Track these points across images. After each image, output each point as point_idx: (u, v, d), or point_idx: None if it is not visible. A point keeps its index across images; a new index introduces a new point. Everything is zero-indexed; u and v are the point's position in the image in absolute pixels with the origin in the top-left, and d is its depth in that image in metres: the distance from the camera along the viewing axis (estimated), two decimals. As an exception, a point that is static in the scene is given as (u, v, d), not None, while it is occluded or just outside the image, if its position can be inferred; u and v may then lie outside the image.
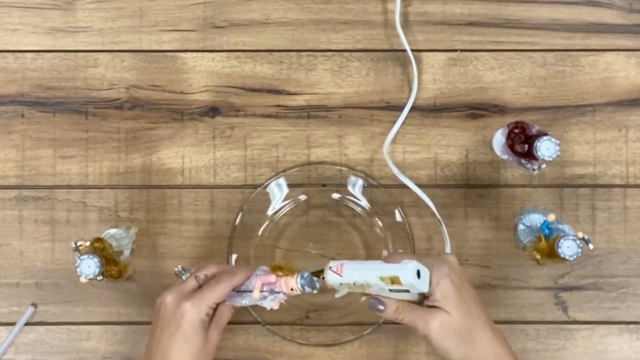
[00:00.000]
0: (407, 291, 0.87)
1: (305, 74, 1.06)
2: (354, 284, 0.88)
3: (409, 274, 0.85)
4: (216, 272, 0.91)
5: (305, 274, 0.89)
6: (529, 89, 1.05)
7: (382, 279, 0.86)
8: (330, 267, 0.88)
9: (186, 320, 0.87)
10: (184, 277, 0.92)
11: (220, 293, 0.89)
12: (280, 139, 1.05)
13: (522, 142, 0.95)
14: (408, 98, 1.04)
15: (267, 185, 1.04)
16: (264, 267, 0.92)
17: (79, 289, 1.04)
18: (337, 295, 0.92)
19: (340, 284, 0.89)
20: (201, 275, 0.90)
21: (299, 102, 1.05)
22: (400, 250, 1.03)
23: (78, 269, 0.92)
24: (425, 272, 0.86)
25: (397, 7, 1.04)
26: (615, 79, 1.05)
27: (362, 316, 1.04)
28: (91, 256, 0.92)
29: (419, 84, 1.05)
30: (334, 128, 1.05)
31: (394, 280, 0.86)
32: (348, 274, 0.88)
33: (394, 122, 1.05)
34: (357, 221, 1.05)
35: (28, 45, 1.06)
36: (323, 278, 0.89)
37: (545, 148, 0.92)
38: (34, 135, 1.05)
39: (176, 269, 0.93)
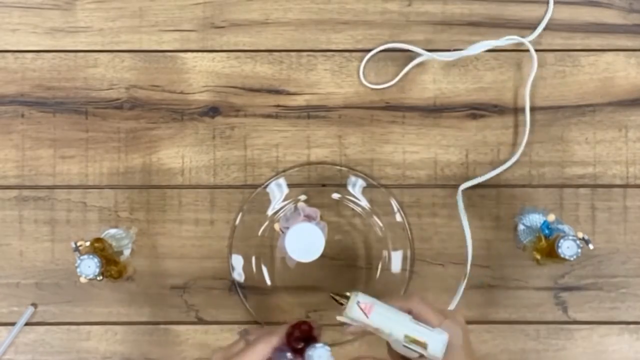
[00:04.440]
0: (422, 355, 0.81)
1: (305, 74, 1.06)
2: (376, 329, 0.81)
3: (439, 346, 0.79)
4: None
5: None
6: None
7: (407, 336, 0.80)
8: (358, 302, 0.81)
9: None
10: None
11: (260, 353, 0.82)
12: (280, 139, 1.05)
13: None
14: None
15: (267, 185, 1.04)
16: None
17: (79, 289, 1.04)
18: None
19: (360, 321, 0.81)
20: (251, 338, 0.85)
21: (299, 102, 1.05)
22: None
23: (78, 269, 0.92)
24: (446, 341, 0.80)
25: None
26: (615, 79, 1.05)
27: (362, 316, 1.04)
28: (91, 256, 0.92)
29: (419, 84, 1.05)
30: (334, 128, 1.05)
31: (418, 343, 0.80)
32: (375, 318, 0.80)
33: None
34: (357, 221, 1.05)
35: (28, 45, 1.06)
36: (340, 303, 0.82)
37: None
38: (34, 135, 1.05)
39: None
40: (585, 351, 1.04)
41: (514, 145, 1.05)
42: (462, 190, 1.04)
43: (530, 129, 1.04)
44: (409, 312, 0.82)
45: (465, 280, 1.01)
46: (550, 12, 1.05)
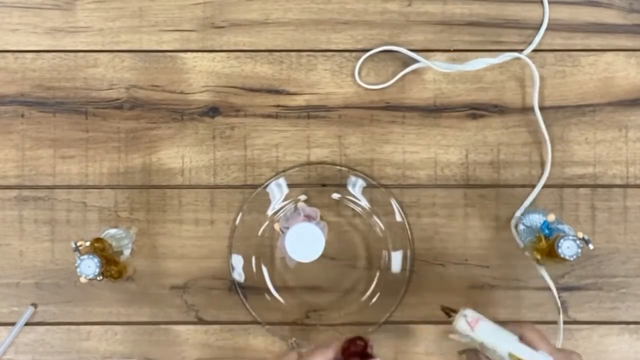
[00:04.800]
0: None
1: (305, 74, 1.06)
2: (481, 343, 0.83)
3: None
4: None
5: None
6: (529, 89, 1.05)
7: (511, 355, 0.81)
8: (465, 315, 0.83)
9: None
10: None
11: None
12: (280, 139, 1.05)
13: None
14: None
15: (267, 185, 1.04)
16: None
17: (79, 289, 1.04)
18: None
19: (466, 335, 0.83)
20: (304, 350, 0.85)
21: (299, 102, 1.05)
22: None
23: (78, 269, 0.92)
24: None
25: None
26: (615, 79, 1.05)
27: (362, 316, 1.04)
28: (91, 256, 0.92)
29: (419, 84, 1.05)
30: (334, 128, 1.05)
31: None
32: (480, 332, 0.82)
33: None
34: (357, 221, 1.05)
35: (28, 45, 1.06)
36: (449, 316, 0.84)
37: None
38: (34, 135, 1.05)
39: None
40: (585, 351, 1.04)
41: (514, 146, 1.05)
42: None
43: (531, 128, 1.04)
44: (520, 337, 0.83)
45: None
46: (546, 22, 1.05)
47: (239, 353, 1.04)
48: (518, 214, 1.03)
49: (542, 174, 1.04)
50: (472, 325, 0.82)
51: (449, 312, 0.86)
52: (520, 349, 0.81)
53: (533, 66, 1.03)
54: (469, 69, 1.03)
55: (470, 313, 0.83)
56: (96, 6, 1.06)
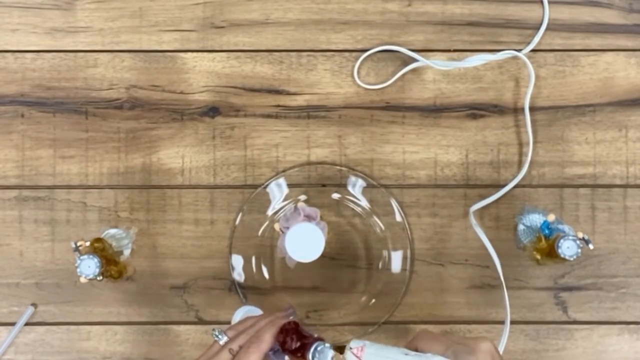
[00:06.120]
0: None
1: (305, 74, 1.06)
2: None
3: None
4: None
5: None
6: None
7: None
8: (350, 348, 0.84)
9: None
10: (220, 342, 0.86)
11: None
12: (280, 139, 1.05)
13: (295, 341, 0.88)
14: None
15: (267, 185, 1.04)
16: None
17: (79, 289, 1.04)
18: None
19: None
20: (235, 347, 0.85)
21: (299, 102, 1.05)
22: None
23: (78, 269, 0.92)
24: None
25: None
26: (615, 79, 1.05)
27: (362, 316, 1.04)
28: (91, 256, 0.92)
29: (418, 84, 1.05)
30: (334, 128, 1.05)
31: None
32: (368, 358, 0.83)
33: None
34: (357, 221, 1.05)
35: (28, 45, 1.06)
36: (341, 353, 0.85)
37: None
38: (34, 135, 1.05)
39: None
40: (585, 351, 1.04)
41: (514, 146, 1.05)
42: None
43: (531, 128, 1.04)
44: (416, 349, 0.83)
45: (506, 336, 1.00)
46: (546, 22, 1.05)
47: (239, 353, 1.04)
48: (474, 209, 1.03)
49: (517, 173, 1.04)
50: (359, 354, 0.83)
51: (340, 351, 0.86)
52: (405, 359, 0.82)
53: (529, 64, 1.03)
54: (467, 65, 1.03)
55: (354, 343, 0.84)
56: (96, 6, 1.06)
